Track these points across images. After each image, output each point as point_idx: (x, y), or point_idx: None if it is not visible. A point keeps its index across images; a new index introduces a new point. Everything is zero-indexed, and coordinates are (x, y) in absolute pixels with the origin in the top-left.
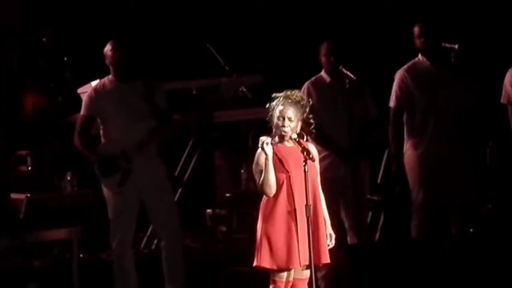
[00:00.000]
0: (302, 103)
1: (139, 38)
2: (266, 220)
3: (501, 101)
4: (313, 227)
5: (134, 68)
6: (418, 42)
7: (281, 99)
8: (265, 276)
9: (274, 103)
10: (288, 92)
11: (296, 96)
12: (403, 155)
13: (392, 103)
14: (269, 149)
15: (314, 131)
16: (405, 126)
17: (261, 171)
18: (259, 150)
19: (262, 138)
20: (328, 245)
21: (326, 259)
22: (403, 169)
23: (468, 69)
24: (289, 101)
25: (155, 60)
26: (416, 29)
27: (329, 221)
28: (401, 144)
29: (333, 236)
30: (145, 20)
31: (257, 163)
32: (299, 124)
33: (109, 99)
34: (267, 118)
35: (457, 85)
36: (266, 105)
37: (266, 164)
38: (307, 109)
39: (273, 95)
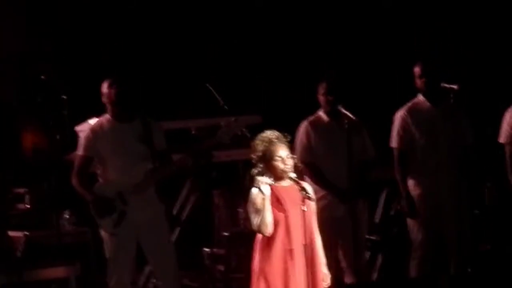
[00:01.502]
0: (288, 140)
1: (137, 76)
2: (263, 259)
3: (499, 140)
4: (310, 266)
5: (132, 107)
6: (419, 82)
7: (266, 143)
8: None
9: (260, 148)
10: (269, 135)
11: (278, 135)
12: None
13: (395, 143)
14: (266, 189)
15: (302, 167)
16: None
17: (257, 210)
18: (255, 190)
19: (260, 178)
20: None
21: None
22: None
23: (467, 109)
24: (278, 140)
25: (153, 99)
26: (417, 69)
27: (325, 261)
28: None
29: (329, 276)
30: (143, 58)
31: (253, 203)
32: (291, 162)
33: (107, 139)
34: (255, 162)
35: (456, 126)
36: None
37: (264, 203)
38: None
39: (253, 143)
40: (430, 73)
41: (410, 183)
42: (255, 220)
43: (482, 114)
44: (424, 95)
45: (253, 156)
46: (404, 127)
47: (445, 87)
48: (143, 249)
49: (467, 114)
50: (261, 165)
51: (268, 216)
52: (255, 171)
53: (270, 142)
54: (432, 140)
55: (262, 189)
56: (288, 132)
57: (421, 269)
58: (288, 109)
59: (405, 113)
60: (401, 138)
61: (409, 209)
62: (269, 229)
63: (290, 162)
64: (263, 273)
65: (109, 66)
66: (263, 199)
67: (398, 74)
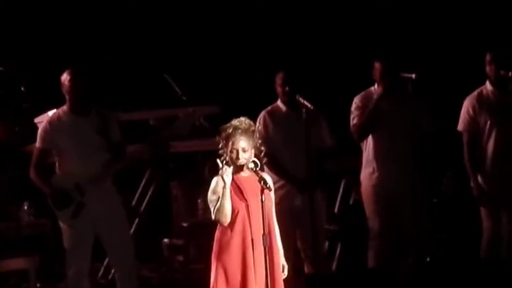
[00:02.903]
0: (251, 130)
1: (96, 68)
2: (222, 249)
3: (458, 128)
4: (268, 257)
5: (90, 99)
6: (375, 74)
7: (230, 130)
8: None
9: (223, 135)
10: (236, 122)
11: (245, 124)
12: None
13: (354, 120)
14: (228, 178)
15: (265, 158)
16: (362, 155)
17: (217, 199)
18: (216, 178)
19: (224, 167)
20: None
21: None
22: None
23: (425, 98)
24: (239, 131)
25: (112, 89)
26: (376, 64)
27: (282, 252)
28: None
29: (286, 267)
30: (102, 49)
31: (213, 191)
32: (252, 152)
33: (64, 132)
34: (219, 151)
35: (413, 115)
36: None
37: (223, 192)
38: (257, 135)
39: (220, 127)
40: (387, 66)
41: (366, 172)
42: (213, 208)
43: (444, 103)
44: (379, 85)
45: (217, 140)
46: (362, 112)
47: (403, 76)
48: (101, 241)
49: (427, 102)
50: (225, 154)
51: (227, 205)
52: (221, 159)
53: (229, 133)
54: (387, 129)
55: (224, 177)
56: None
57: (379, 258)
58: (247, 99)
59: (361, 100)
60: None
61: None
62: (227, 218)
63: (246, 155)
64: (221, 262)
65: (68, 57)
66: (223, 187)
67: (356, 63)
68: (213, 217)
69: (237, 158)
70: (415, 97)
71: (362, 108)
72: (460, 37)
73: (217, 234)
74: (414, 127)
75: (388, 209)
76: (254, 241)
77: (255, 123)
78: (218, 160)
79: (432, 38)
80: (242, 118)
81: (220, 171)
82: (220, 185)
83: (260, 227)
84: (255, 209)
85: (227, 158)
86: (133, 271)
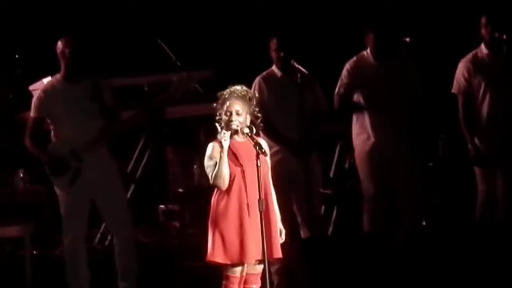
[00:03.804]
0: (248, 96)
1: (89, 33)
2: (218, 214)
3: (452, 90)
4: (265, 221)
5: (85, 66)
6: (368, 41)
7: (226, 95)
8: (219, 271)
9: (220, 100)
10: (233, 88)
11: (242, 90)
12: None
13: (337, 94)
14: (226, 143)
15: (262, 124)
16: (354, 120)
17: (214, 164)
18: (211, 143)
19: (223, 131)
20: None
21: (278, 253)
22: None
23: (419, 62)
24: (235, 95)
25: (105, 55)
26: (369, 33)
27: (279, 216)
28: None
29: (283, 231)
30: (96, 15)
31: (210, 157)
32: (248, 118)
33: (58, 99)
34: (216, 117)
35: (405, 80)
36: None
37: (221, 156)
38: (254, 103)
39: (218, 93)
40: (380, 34)
41: (360, 137)
42: (211, 174)
43: (439, 66)
44: (371, 50)
45: (215, 105)
46: (347, 80)
47: (398, 40)
48: (98, 207)
49: (418, 66)
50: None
51: (225, 169)
52: (219, 124)
53: (225, 97)
54: (381, 94)
55: (222, 142)
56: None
57: (374, 222)
58: (241, 64)
59: (351, 66)
60: (342, 90)
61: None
62: (225, 182)
63: (240, 118)
64: (218, 228)
65: (63, 24)
66: (221, 152)
67: (350, 26)
68: (211, 182)
69: (230, 120)
70: (407, 62)
71: (352, 75)
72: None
73: (213, 199)
74: (405, 91)
75: (382, 173)
76: (250, 206)
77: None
78: (216, 124)
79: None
80: (239, 86)
81: (218, 135)
82: (217, 150)
83: (256, 192)
84: (250, 174)
85: (222, 122)
86: (131, 236)
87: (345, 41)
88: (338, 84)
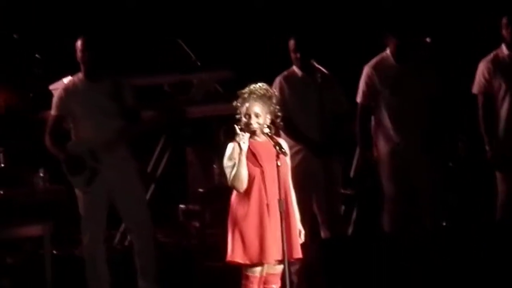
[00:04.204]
0: (268, 95)
1: (110, 33)
2: (238, 215)
3: (472, 91)
4: (285, 222)
5: (104, 66)
6: (389, 44)
7: (246, 95)
8: (238, 271)
9: (239, 100)
10: (252, 87)
11: (261, 89)
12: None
13: (359, 99)
14: (245, 144)
15: (282, 123)
16: (374, 121)
17: (233, 165)
18: (231, 144)
19: (242, 133)
20: None
21: (298, 254)
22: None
23: (439, 62)
24: (254, 96)
25: (125, 55)
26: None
27: (299, 217)
28: (366, 140)
29: (302, 232)
30: (116, 15)
31: (229, 157)
32: (268, 117)
33: (78, 98)
34: (237, 116)
35: (424, 80)
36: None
37: (239, 158)
38: (274, 101)
39: (238, 92)
40: (400, 33)
41: (381, 137)
42: (229, 175)
43: (459, 66)
44: (391, 51)
45: (235, 104)
46: (367, 83)
47: (418, 40)
48: (117, 207)
49: (437, 66)
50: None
51: (243, 171)
52: (238, 125)
53: (244, 97)
54: (400, 95)
55: (240, 143)
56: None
57: (395, 222)
58: (261, 64)
59: (371, 69)
60: (364, 94)
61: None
62: (243, 184)
63: (259, 120)
64: (238, 229)
65: (82, 23)
66: (240, 153)
67: (371, 27)
68: (229, 183)
69: (250, 123)
70: (426, 61)
71: (371, 78)
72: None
73: (232, 200)
74: (425, 92)
75: (402, 174)
76: (269, 206)
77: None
78: (235, 126)
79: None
80: (260, 84)
81: (236, 137)
82: (236, 151)
83: (275, 192)
84: (270, 175)
85: (242, 123)
86: (150, 237)
87: (366, 41)
88: (360, 88)
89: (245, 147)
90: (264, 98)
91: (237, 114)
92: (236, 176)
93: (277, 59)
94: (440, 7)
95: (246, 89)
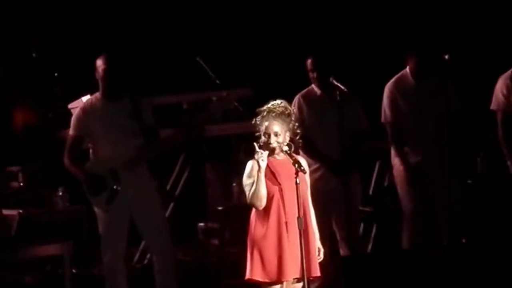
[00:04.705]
0: (286, 113)
1: (129, 52)
2: (257, 232)
3: (491, 107)
4: (304, 240)
5: (122, 84)
6: (408, 60)
7: (265, 113)
8: None
9: (258, 118)
10: (271, 105)
11: (280, 107)
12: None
13: (388, 118)
14: (263, 162)
15: (301, 141)
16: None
17: (252, 183)
18: (251, 162)
19: (261, 151)
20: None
21: (316, 272)
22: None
23: (457, 78)
24: (273, 114)
25: (145, 74)
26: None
27: (318, 235)
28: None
29: (322, 250)
30: (135, 33)
31: (249, 175)
32: (287, 135)
33: (97, 118)
34: (255, 134)
35: (443, 97)
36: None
37: (258, 176)
38: (293, 118)
39: (257, 110)
40: (424, 52)
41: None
42: (248, 193)
43: (478, 82)
44: (411, 70)
45: (254, 122)
46: (392, 100)
47: (436, 57)
48: (137, 226)
49: (455, 83)
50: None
51: (262, 189)
52: (257, 143)
53: (263, 116)
54: (419, 111)
55: (259, 161)
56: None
57: (413, 240)
58: (280, 82)
59: (392, 86)
60: (391, 111)
61: (409, 178)
62: (262, 202)
63: (279, 139)
64: (257, 247)
65: (101, 42)
66: (258, 171)
67: (389, 46)
68: (248, 201)
69: (269, 142)
70: (445, 79)
71: (393, 96)
72: (493, 17)
73: (252, 218)
74: (443, 109)
75: (420, 190)
76: (288, 224)
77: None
78: (255, 144)
79: (466, 18)
80: (278, 101)
81: (255, 155)
82: (255, 169)
83: (294, 210)
84: (289, 192)
85: (261, 141)
86: (170, 255)
87: (386, 58)
88: (385, 108)
89: (263, 164)
90: (283, 116)
91: (257, 132)
92: (255, 194)
93: (297, 77)
94: (458, 24)
95: (265, 107)
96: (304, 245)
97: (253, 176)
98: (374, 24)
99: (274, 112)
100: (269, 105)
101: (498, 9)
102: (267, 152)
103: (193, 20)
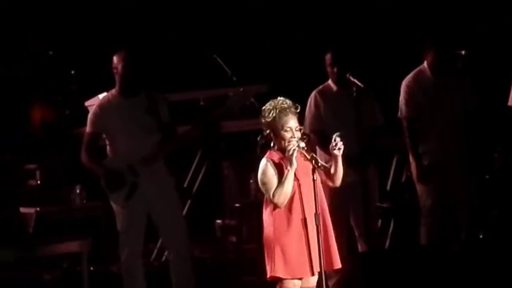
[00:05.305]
0: (294, 107)
1: (146, 49)
2: (280, 231)
3: (508, 103)
4: (322, 234)
5: (140, 81)
6: (427, 57)
7: (277, 110)
8: (275, 286)
9: (270, 115)
10: (281, 103)
11: (288, 103)
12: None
13: (403, 113)
14: (295, 161)
15: (316, 137)
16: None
17: (270, 182)
18: (265, 161)
19: (295, 143)
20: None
21: (337, 264)
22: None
23: (474, 74)
24: (288, 110)
25: (162, 70)
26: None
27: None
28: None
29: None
30: (151, 31)
31: (267, 175)
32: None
33: (114, 114)
34: (265, 133)
35: (460, 93)
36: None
37: (287, 175)
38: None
39: (264, 108)
40: (442, 46)
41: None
42: (272, 192)
43: (495, 78)
44: (429, 65)
45: (263, 121)
46: (410, 95)
47: (454, 52)
48: (154, 222)
49: (473, 79)
50: (269, 132)
51: (290, 187)
52: (262, 138)
53: (281, 110)
54: (436, 108)
55: (293, 161)
56: (298, 102)
57: (431, 236)
58: (297, 79)
59: (410, 81)
60: (408, 106)
61: (419, 175)
62: (286, 201)
63: (298, 134)
64: (280, 244)
65: (118, 39)
66: (288, 170)
67: (406, 42)
68: (275, 200)
69: (293, 136)
70: (462, 75)
71: (412, 91)
72: (493, 17)
73: (267, 216)
74: (461, 105)
75: (438, 186)
76: (307, 220)
77: (305, 102)
78: (292, 143)
79: (466, 18)
80: (280, 98)
81: (287, 155)
82: (270, 170)
83: (312, 206)
84: (306, 189)
85: (280, 137)
86: (187, 252)
87: (402, 53)
88: (402, 103)
89: (295, 164)
90: (293, 110)
91: (266, 130)
92: (285, 193)
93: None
94: (474, 19)
95: (273, 105)
96: (323, 239)
97: (272, 176)
98: (376, 23)
99: (288, 108)
100: (276, 103)
101: (498, 9)
102: (296, 151)
103: (211, 17)
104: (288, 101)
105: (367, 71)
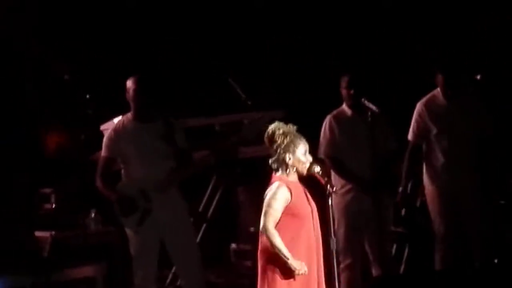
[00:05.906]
0: (298, 132)
1: (160, 74)
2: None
3: None
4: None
5: (153, 105)
6: (438, 82)
7: (291, 135)
8: None
9: (288, 139)
10: (291, 128)
11: (292, 128)
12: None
13: (410, 137)
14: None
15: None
16: (425, 160)
17: (275, 211)
18: (282, 187)
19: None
20: None
21: None
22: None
23: (489, 99)
24: (295, 134)
25: (177, 96)
26: (439, 75)
27: None
28: (409, 178)
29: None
30: (166, 55)
31: (275, 199)
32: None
33: (129, 139)
34: (279, 156)
35: (474, 118)
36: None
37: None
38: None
39: (273, 132)
40: (450, 70)
41: (427, 176)
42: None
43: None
44: (441, 89)
45: (276, 145)
46: (418, 120)
47: (468, 77)
48: (167, 247)
49: (488, 103)
50: (283, 156)
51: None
52: (274, 163)
53: (295, 134)
54: (450, 132)
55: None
56: (312, 127)
57: (446, 261)
58: (312, 104)
59: (422, 106)
60: (414, 132)
61: (401, 199)
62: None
63: (310, 158)
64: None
65: (132, 64)
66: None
67: (420, 67)
68: (266, 224)
69: (307, 159)
70: (476, 99)
71: (420, 117)
72: (493, 17)
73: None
74: (475, 130)
75: (453, 211)
76: (313, 245)
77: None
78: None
79: (466, 18)
80: (280, 123)
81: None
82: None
83: (319, 231)
84: (315, 213)
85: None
86: (200, 280)
87: (416, 79)
88: (411, 126)
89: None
90: (299, 135)
91: (278, 155)
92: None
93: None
94: (489, 44)
95: (285, 130)
96: (318, 265)
97: (280, 205)
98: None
99: (292, 133)
100: (288, 127)
101: (498, 9)
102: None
103: (226, 42)
104: (292, 126)
105: (382, 95)
